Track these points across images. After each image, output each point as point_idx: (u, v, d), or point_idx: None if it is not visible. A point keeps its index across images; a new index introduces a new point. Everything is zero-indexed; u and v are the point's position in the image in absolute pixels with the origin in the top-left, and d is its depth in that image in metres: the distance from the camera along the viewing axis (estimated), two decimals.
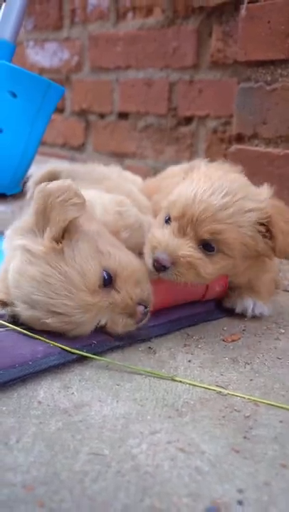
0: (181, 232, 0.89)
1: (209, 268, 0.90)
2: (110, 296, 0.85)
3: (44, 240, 0.83)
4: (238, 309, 1.02)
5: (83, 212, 0.85)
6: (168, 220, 0.93)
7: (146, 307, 0.88)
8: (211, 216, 0.87)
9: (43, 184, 0.84)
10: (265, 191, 0.95)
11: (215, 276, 0.94)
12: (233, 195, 0.89)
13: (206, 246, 0.90)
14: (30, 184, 1.31)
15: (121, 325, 0.87)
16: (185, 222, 0.89)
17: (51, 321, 0.83)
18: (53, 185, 0.84)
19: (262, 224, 0.90)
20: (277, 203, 0.94)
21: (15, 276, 0.85)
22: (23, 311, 0.85)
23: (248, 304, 1.01)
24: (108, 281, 0.85)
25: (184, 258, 0.87)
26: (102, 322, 0.87)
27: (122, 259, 0.88)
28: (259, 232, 0.91)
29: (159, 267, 0.88)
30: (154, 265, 0.89)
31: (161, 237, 0.90)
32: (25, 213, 1.03)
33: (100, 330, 0.89)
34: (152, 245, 0.90)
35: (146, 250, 0.92)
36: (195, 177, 0.94)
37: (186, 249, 0.88)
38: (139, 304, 0.87)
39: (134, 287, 0.87)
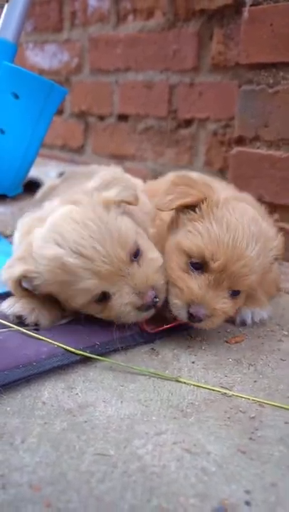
0: (217, 283, 0.88)
1: (234, 308, 0.93)
2: (132, 267, 0.87)
3: (99, 194, 0.90)
4: (238, 321, 1.01)
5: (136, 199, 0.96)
6: (197, 267, 0.90)
7: (156, 297, 0.89)
8: (250, 270, 0.88)
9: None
10: (269, 225, 0.98)
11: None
12: (260, 242, 0.90)
13: (234, 292, 0.91)
14: None
15: (127, 300, 0.87)
16: (224, 276, 0.88)
17: (73, 262, 0.83)
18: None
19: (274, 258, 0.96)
20: (281, 239, 0.99)
21: (53, 220, 0.89)
22: (45, 250, 0.86)
23: (246, 315, 1.01)
24: (135, 255, 0.89)
25: (219, 311, 0.89)
26: (112, 290, 0.87)
27: (151, 246, 0.94)
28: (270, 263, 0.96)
29: (196, 320, 0.88)
30: (189, 318, 0.89)
31: (197, 289, 0.88)
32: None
33: (99, 307, 0.89)
34: (188, 297, 0.88)
35: (176, 298, 0.90)
36: (221, 220, 0.89)
37: (222, 301, 0.89)
38: (152, 289, 0.88)
39: (153, 273, 0.89)
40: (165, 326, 0.94)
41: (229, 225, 0.88)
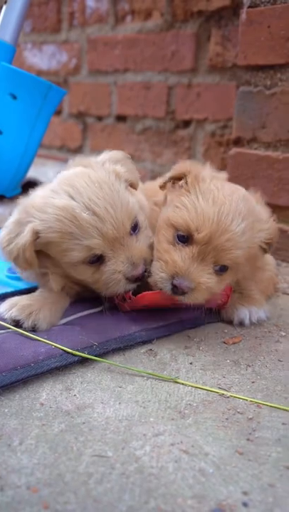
0: (201, 257, 0.89)
1: (220, 286, 0.93)
2: (131, 239, 0.92)
3: (110, 164, 0.96)
4: (235, 321, 1.01)
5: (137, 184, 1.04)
6: (183, 240, 0.92)
7: (146, 270, 0.94)
8: (234, 244, 0.89)
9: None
10: (263, 209, 1.00)
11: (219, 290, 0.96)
12: (248, 219, 0.91)
13: (220, 268, 0.92)
14: None
15: (121, 268, 0.90)
16: (209, 249, 0.89)
17: (85, 217, 0.87)
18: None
19: (264, 242, 0.97)
20: (275, 224, 1.00)
21: (66, 175, 0.94)
22: (56, 200, 0.89)
23: (243, 314, 1.01)
24: (135, 229, 0.94)
25: (202, 285, 0.89)
26: (110, 255, 0.90)
27: (146, 225, 1.01)
28: (260, 246, 0.97)
29: (179, 292, 0.89)
30: (172, 290, 0.89)
31: (181, 262, 0.89)
32: None
33: (91, 269, 0.92)
34: (172, 270, 0.89)
35: (161, 270, 0.91)
36: (207, 195, 0.92)
37: (206, 276, 0.89)
38: (144, 262, 0.94)
39: (147, 248, 0.96)
40: (142, 304, 0.96)
41: (215, 199, 0.91)
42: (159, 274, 0.91)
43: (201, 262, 0.89)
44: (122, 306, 0.98)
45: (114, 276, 0.91)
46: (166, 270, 0.90)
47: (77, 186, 0.89)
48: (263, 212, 0.99)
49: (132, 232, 0.93)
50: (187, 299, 0.90)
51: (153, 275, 0.92)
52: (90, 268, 0.92)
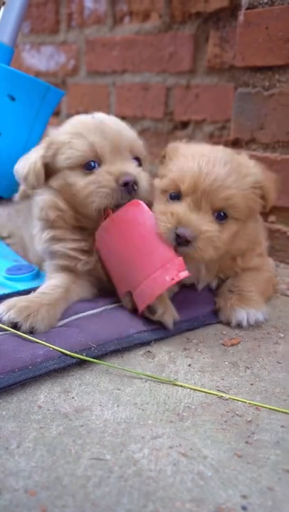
0: (197, 206, 0.93)
1: (223, 237, 0.95)
2: (130, 160, 1.03)
3: None
4: (234, 323, 1.01)
5: None
6: (175, 197, 0.97)
7: (135, 184, 0.98)
8: (222, 184, 0.93)
9: None
10: (247, 159, 1.04)
11: (226, 246, 0.97)
12: (230, 164, 0.95)
13: (219, 215, 0.94)
14: None
15: (114, 169, 0.97)
16: (199, 195, 0.93)
17: (91, 120, 1.05)
18: None
19: (256, 187, 0.99)
20: (263, 168, 1.03)
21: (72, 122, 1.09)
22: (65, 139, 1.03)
23: (241, 316, 1.00)
24: (136, 159, 1.05)
25: (204, 233, 0.91)
26: (106, 158, 1.00)
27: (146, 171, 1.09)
28: (254, 193, 0.99)
29: (183, 241, 0.90)
30: (176, 240, 0.91)
31: (182, 212, 0.92)
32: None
33: (82, 175, 1.01)
34: (176, 220, 0.91)
35: (166, 222, 0.92)
36: (186, 154, 0.98)
37: (207, 224, 0.92)
38: (135, 180, 0.99)
39: (141, 173, 1.04)
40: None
41: (194, 155, 0.96)
42: (163, 225, 0.93)
43: (199, 212, 0.93)
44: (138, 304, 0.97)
45: (106, 177, 0.97)
46: (171, 221, 0.92)
47: (87, 123, 1.06)
48: (246, 160, 1.03)
49: (133, 160, 1.03)
50: (191, 251, 0.91)
51: (158, 227, 0.93)
52: (85, 176, 1.00)
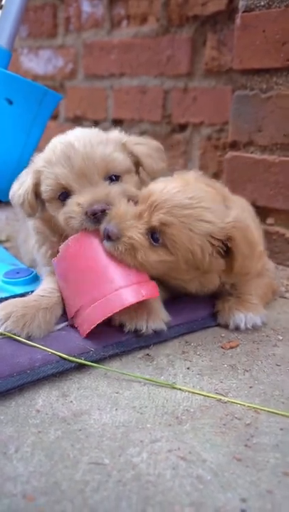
0: (140, 215, 0.94)
1: (148, 257, 0.93)
2: (102, 183, 0.99)
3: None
4: (231, 326, 1.01)
5: None
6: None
7: (105, 210, 0.95)
8: (167, 208, 0.91)
9: None
10: (233, 213, 0.94)
11: (153, 269, 0.94)
12: (197, 202, 0.92)
13: (153, 236, 0.93)
14: None
15: (82, 200, 0.95)
16: (146, 206, 0.94)
17: (59, 146, 1.00)
18: None
19: (219, 240, 0.92)
20: (243, 224, 0.93)
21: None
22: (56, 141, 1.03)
23: (239, 319, 1.00)
24: (112, 179, 1.01)
25: (127, 239, 0.92)
26: (75, 188, 0.97)
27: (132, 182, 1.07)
28: (212, 245, 0.92)
29: (106, 236, 0.93)
30: (104, 231, 0.93)
31: (122, 211, 0.94)
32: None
33: (58, 205, 1.00)
34: (111, 214, 0.94)
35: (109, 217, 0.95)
36: (175, 177, 1.00)
37: (134, 232, 0.93)
38: (107, 205, 0.96)
39: (118, 194, 1.00)
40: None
41: (174, 180, 0.98)
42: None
43: (138, 220, 0.94)
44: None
45: (74, 209, 0.96)
46: (110, 214, 0.94)
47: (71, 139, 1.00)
48: (230, 215, 0.93)
49: (108, 179, 1.00)
50: (110, 247, 0.92)
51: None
52: (60, 204, 1.00)
